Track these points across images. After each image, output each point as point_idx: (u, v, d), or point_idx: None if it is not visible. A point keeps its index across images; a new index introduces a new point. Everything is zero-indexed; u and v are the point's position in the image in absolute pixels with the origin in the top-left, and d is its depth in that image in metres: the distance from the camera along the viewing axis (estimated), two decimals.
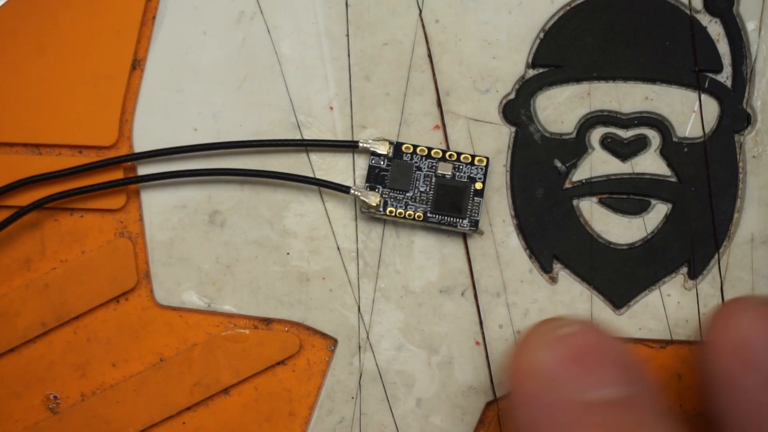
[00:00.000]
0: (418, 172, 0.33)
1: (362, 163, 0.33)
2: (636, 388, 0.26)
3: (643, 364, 0.27)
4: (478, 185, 0.33)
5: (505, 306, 0.33)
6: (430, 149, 0.33)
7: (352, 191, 0.32)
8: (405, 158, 0.33)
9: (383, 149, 0.33)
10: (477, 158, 0.33)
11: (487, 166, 0.33)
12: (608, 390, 0.26)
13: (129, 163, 0.33)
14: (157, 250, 0.33)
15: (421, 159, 0.33)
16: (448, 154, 0.33)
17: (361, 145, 0.33)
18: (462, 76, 0.34)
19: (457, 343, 0.33)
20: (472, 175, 0.33)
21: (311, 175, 0.33)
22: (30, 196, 0.32)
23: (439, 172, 0.33)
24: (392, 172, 0.33)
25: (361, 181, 0.33)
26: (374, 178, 0.33)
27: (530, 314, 0.33)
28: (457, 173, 0.33)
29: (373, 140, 0.33)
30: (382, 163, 0.33)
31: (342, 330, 0.33)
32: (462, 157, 0.33)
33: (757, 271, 0.34)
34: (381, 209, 0.33)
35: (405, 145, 0.33)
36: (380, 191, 0.33)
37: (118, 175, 0.33)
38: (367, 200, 0.32)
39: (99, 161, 0.32)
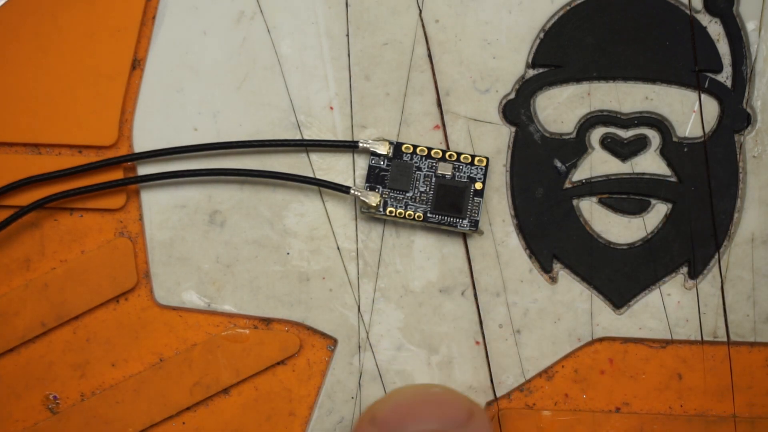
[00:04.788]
0: (418, 172, 0.33)
1: (362, 163, 0.33)
2: (455, 426, 0.30)
3: (481, 415, 0.31)
4: (478, 185, 0.33)
5: (505, 305, 0.33)
6: (430, 149, 0.33)
7: (352, 191, 0.32)
8: (405, 158, 0.33)
9: (383, 149, 0.33)
10: (477, 158, 0.33)
11: (486, 166, 0.33)
12: (424, 426, 0.30)
13: (129, 163, 0.33)
14: (157, 249, 0.33)
15: (421, 159, 0.33)
16: (447, 154, 0.33)
17: (361, 145, 0.33)
18: (462, 76, 0.34)
19: (457, 343, 0.33)
20: (472, 175, 0.33)
21: (311, 175, 0.33)
22: (30, 196, 0.32)
23: (439, 172, 0.33)
24: (392, 172, 0.33)
25: (361, 181, 0.33)
26: (374, 178, 0.33)
27: (530, 314, 0.33)
28: (457, 173, 0.33)
29: (373, 140, 0.33)
30: (382, 163, 0.33)
31: (342, 330, 0.33)
32: (462, 157, 0.33)
33: (758, 271, 0.34)
34: (381, 209, 0.33)
35: (405, 145, 0.33)
36: (380, 191, 0.33)
37: (118, 175, 0.33)
38: (367, 200, 0.32)
39: (99, 161, 0.32)
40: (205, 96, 0.33)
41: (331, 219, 0.33)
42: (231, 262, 0.33)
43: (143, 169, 0.33)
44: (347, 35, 0.34)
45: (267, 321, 0.33)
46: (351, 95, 0.33)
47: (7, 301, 0.33)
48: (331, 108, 0.33)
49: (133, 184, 0.33)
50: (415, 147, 0.33)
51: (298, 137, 0.33)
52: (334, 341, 0.33)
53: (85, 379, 0.33)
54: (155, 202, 0.33)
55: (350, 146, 0.33)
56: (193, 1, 0.33)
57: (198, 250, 0.33)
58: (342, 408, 0.33)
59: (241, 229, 0.33)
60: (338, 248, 0.33)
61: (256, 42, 0.33)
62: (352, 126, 0.33)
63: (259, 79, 0.33)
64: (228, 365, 0.33)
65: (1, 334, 0.33)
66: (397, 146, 0.33)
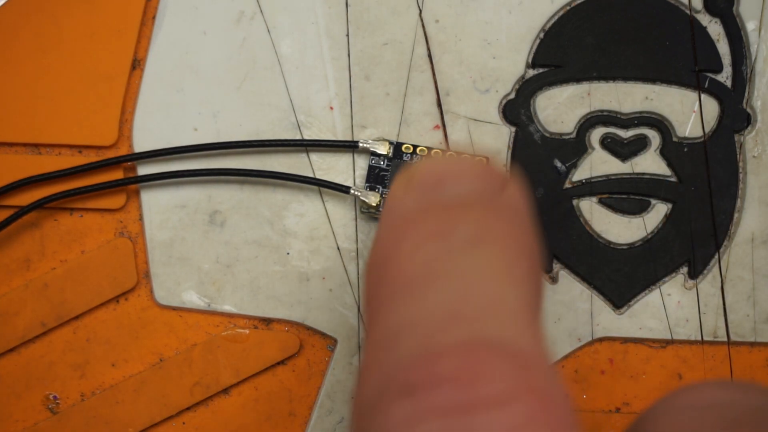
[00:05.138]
0: None
1: (362, 163, 0.33)
2: (494, 191, 0.27)
3: (515, 181, 0.28)
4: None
5: None
6: (430, 149, 0.33)
7: (352, 191, 0.32)
8: (405, 158, 0.33)
9: (383, 149, 0.33)
10: (476, 159, 0.33)
11: None
12: (463, 189, 0.27)
13: (129, 163, 0.33)
14: (157, 249, 0.33)
15: (421, 159, 0.33)
16: (447, 154, 0.33)
17: (361, 145, 0.33)
18: (462, 76, 0.34)
19: None
20: None
21: (311, 175, 0.33)
22: (30, 196, 0.32)
23: None
24: (392, 173, 0.33)
25: (361, 181, 0.33)
26: (374, 178, 0.33)
27: None
28: None
29: (373, 140, 0.33)
30: (382, 163, 0.33)
31: (342, 330, 0.33)
32: (462, 157, 0.33)
33: (758, 271, 0.34)
34: (381, 209, 0.33)
35: (405, 145, 0.33)
36: (380, 191, 0.33)
37: (118, 175, 0.33)
38: (367, 200, 0.32)
39: (99, 161, 0.32)
40: (205, 96, 0.33)
41: (331, 219, 0.33)
42: (231, 262, 0.33)
43: (143, 169, 0.33)
44: (347, 35, 0.34)
45: (267, 321, 0.33)
46: (351, 95, 0.33)
47: (7, 301, 0.33)
48: (331, 108, 0.33)
49: (133, 184, 0.33)
50: (415, 147, 0.33)
51: (298, 137, 0.33)
52: (334, 341, 0.33)
53: (85, 379, 0.33)
54: (155, 202, 0.33)
55: (350, 146, 0.33)
56: (193, 1, 0.33)
57: (198, 250, 0.33)
58: (342, 408, 0.33)
59: (241, 229, 0.33)
60: (338, 248, 0.33)
61: (256, 42, 0.33)
62: (352, 126, 0.33)
63: (259, 79, 0.33)
64: (228, 365, 0.33)
65: (1, 334, 0.33)
66: (397, 146, 0.33)
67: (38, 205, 0.32)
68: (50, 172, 0.32)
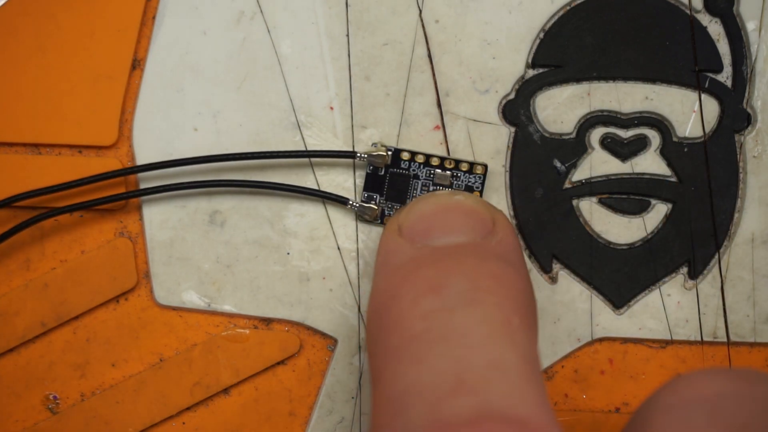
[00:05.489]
0: (415, 181, 0.33)
1: (362, 164, 0.33)
2: (482, 237, 0.28)
3: (504, 222, 0.29)
4: (476, 194, 0.33)
5: None
6: (428, 157, 0.33)
7: (350, 205, 0.33)
8: (403, 166, 0.33)
9: (381, 161, 0.33)
10: (475, 166, 0.33)
11: (485, 174, 0.33)
12: (452, 238, 0.28)
13: (129, 164, 0.33)
14: (157, 249, 0.33)
15: (419, 167, 0.33)
16: (446, 161, 0.33)
17: (359, 155, 0.33)
18: (462, 76, 0.34)
19: None
20: (470, 183, 0.33)
21: (312, 175, 0.33)
22: (30, 201, 0.32)
23: (437, 181, 0.33)
24: (389, 185, 0.33)
25: (361, 180, 0.33)
26: (372, 186, 0.33)
27: None
28: (455, 181, 0.33)
29: (371, 154, 0.33)
30: (381, 171, 0.33)
31: (342, 330, 0.33)
32: (461, 165, 0.33)
33: (758, 271, 0.34)
34: (379, 219, 0.33)
35: (403, 152, 0.33)
36: (377, 200, 0.33)
37: (120, 181, 0.33)
38: (364, 215, 0.33)
39: (101, 174, 0.32)
40: (205, 96, 0.33)
41: (331, 219, 0.33)
42: (231, 262, 0.33)
43: (145, 176, 0.33)
44: (347, 35, 0.34)
45: (267, 321, 0.33)
46: (351, 95, 0.33)
47: (7, 301, 0.33)
48: (332, 108, 0.33)
49: (135, 198, 0.33)
50: (413, 154, 0.33)
51: (299, 137, 0.33)
52: (335, 341, 0.33)
53: (85, 379, 0.33)
54: (155, 202, 0.33)
55: (349, 157, 0.33)
56: (193, 1, 0.33)
57: (198, 250, 0.33)
58: (342, 408, 0.33)
59: (241, 229, 0.33)
60: (338, 248, 0.33)
61: (256, 42, 0.33)
62: (352, 126, 0.33)
63: (259, 79, 0.33)
64: (228, 365, 0.33)
65: (1, 334, 0.33)
66: (395, 153, 0.33)
67: (37, 220, 0.32)
68: (51, 186, 0.32)
